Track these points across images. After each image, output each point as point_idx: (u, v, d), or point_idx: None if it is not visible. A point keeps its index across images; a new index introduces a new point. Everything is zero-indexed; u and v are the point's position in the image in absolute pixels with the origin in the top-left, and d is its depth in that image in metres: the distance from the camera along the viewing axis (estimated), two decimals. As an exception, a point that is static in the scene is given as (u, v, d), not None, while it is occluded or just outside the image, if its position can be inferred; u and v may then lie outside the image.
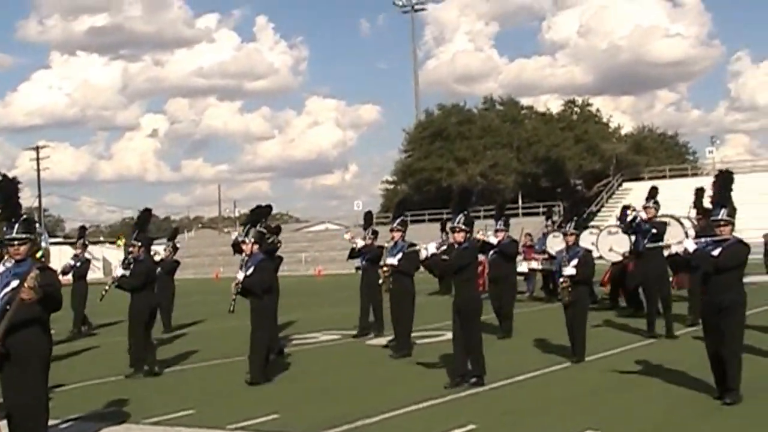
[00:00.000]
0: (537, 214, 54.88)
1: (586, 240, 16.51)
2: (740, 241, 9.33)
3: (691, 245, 9.37)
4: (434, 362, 12.57)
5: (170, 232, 20.53)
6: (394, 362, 13.31)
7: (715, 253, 9.20)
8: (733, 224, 9.33)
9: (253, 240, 12.16)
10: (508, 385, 10.79)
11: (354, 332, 16.90)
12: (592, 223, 21.91)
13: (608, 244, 19.09)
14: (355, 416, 9.09)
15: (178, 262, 19.61)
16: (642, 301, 18.16)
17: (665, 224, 15.37)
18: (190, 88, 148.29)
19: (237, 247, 14.76)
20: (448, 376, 10.86)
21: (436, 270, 10.96)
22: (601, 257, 18.24)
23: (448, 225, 11.58)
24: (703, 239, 9.55)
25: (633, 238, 15.86)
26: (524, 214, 58.85)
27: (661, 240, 14.04)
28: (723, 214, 9.32)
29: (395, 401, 9.82)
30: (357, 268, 14.49)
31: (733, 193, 9.39)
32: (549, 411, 9.12)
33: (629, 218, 16.10)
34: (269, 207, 13.24)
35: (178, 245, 20.45)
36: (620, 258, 19.51)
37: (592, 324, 16.59)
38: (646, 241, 14.94)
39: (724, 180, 9.64)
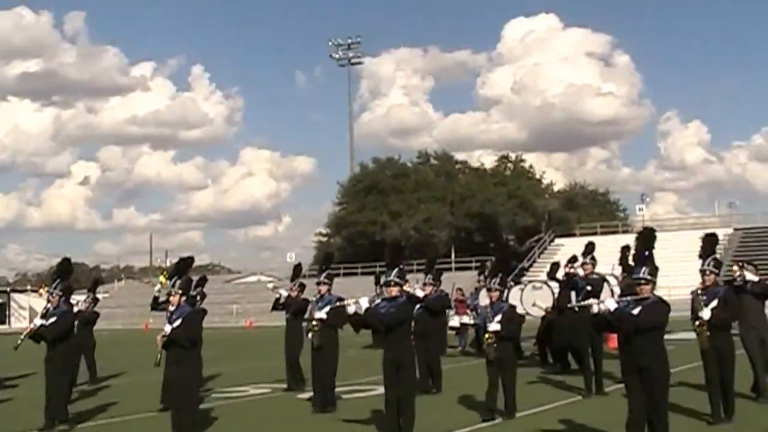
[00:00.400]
0: (470, 268, 55.14)
1: (515, 296, 16.62)
2: (661, 300, 9.25)
3: (612, 304, 9.27)
4: (364, 418, 12.46)
5: (91, 282, 20.06)
6: (323, 418, 13.18)
7: (635, 312, 9.15)
8: (654, 283, 9.27)
9: (180, 291, 12.02)
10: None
11: (284, 386, 16.75)
12: (524, 278, 22.21)
13: (532, 298, 19.29)
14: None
15: (97, 314, 19.17)
16: (568, 359, 18.28)
17: (602, 281, 15.50)
18: (123, 136, 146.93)
19: (156, 302, 14.63)
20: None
21: (375, 324, 10.81)
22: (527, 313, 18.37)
23: (382, 279, 11.53)
24: (624, 298, 9.56)
25: (573, 293, 15.91)
26: (457, 269, 59.12)
27: (598, 298, 14.14)
28: (644, 272, 9.27)
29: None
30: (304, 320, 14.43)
31: (661, 251, 9.41)
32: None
33: (568, 271, 16.13)
34: (191, 258, 13.07)
35: (98, 296, 20.10)
36: (543, 313, 19.69)
37: (527, 381, 16.67)
38: (579, 298, 15.00)
39: (645, 238, 9.60)
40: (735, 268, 14.01)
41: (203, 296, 16.06)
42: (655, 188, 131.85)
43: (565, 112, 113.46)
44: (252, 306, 62.66)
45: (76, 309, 16.26)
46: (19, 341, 13.39)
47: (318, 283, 14.36)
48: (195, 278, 14.91)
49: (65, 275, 13.54)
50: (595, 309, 9.43)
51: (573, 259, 16.89)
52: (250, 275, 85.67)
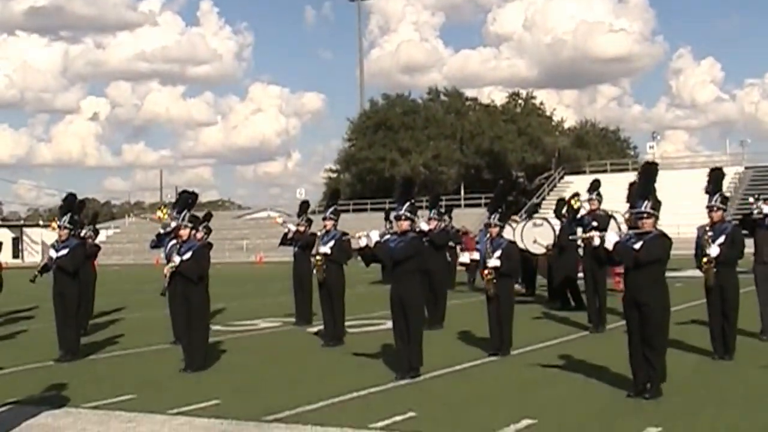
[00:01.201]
0: (479, 205, 55.30)
1: (509, 233, 16.57)
2: (663, 235, 9.15)
3: (613, 238, 9.21)
4: (373, 352, 12.64)
5: (90, 216, 19.89)
6: (333, 351, 13.37)
7: (637, 246, 9.08)
8: (656, 217, 9.20)
9: (190, 225, 12.16)
10: (445, 375, 10.86)
11: (293, 320, 16.95)
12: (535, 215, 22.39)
13: (532, 236, 19.22)
14: (296, 403, 9.13)
15: (98, 247, 19.15)
16: (568, 296, 18.37)
17: (608, 217, 15.54)
18: (132, 71, 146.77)
19: (158, 237, 14.77)
20: (394, 368, 10.86)
21: (383, 257, 10.83)
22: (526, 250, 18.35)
23: (392, 214, 11.57)
24: (626, 232, 9.50)
25: (579, 230, 15.99)
26: (466, 206, 59.28)
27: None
28: (645, 206, 9.17)
29: (335, 389, 9.86)
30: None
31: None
32: (487, 400, 9.23)
33: (576, 207, 16.18)
34: (195, 193, 13.13)
35: (98, 229, 20.01)
36: (543, 250, 19.67)
37: (531, 317, 16.84)
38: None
39: (648, 172, 9.51)
40: (751, 199, 14.02)
41: (209, 231, 16.15)
42: (666, 126, 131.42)
43: (576, 49, 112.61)
44: (262, 241, 63.00)
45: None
46: (36, 274, 13.57)
47: (324, 219, 14.44)
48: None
49: (73, 210, 13.64)
50: (596, 242, 9.38)
51: (575, 195, 16.96)
52: (260, 211, 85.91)
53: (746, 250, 11.64)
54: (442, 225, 17.62)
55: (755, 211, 13.21)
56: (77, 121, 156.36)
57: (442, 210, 17.74)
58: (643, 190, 9.40)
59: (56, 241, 13.28)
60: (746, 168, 63.58)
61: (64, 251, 13.00)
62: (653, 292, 9.02)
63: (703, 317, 12.29)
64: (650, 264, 9.04)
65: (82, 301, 14.47)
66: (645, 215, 9.19)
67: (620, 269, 13.33)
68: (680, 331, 13.04)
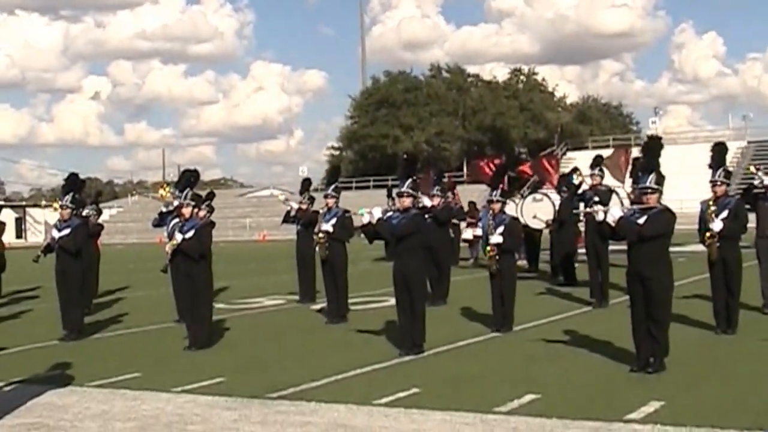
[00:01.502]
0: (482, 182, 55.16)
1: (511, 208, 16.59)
2: (667, 209, 9.14)
3: (617, 212, 9.17)
4: (377, 329, 12.66)
5: (93, 194, 19.79)
6: (337, 328, 13.39)
7: (641, 221, 9.07)
8: (660, 192, 9.17)
9: (192, 203, 12.16)
10: (449, 351, 10.89)
11: (297, 298, 16.99)
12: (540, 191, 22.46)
13: (532, 211, 19.20)
14: (300, 380, 9.15)
15: (101, 226, 19.13)
16: (571, 271, 18.34)
17: (610, 192, 15.53)
18: (133, 50, 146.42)
19: (161, 216, 14.78)
20: (398, 344, 10.88)
21: (385, 234, 10.83)
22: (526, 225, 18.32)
23: (395, 191, 11.56)
24: (630, 207, 9.50)
25: (581, 205, 15.98)
26: (469, 182, 59.11)
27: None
28: (650, 181, 9.15)
29: (340, 366, 9.89)
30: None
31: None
32: (490, 376, 9.25)
33: (576, 183, 16.17)
34: (197, 171, 13.12)
35: (101, 208, 19.92)
36: (543, 226, 19.67)
37: (535, 293, 16.85)
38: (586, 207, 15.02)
39: (652, 147, 9.46)
40: (752, 168, 13.97)
41: (211, 210, 16.14)
42: (669, 101, 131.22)
43: (578, 24, 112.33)
44: (265, 219, 63.07)
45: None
46: (39, 254, 13.60)
47: (326, 196, 14.44)
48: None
49: (75, 189, 13.65)
50: (600, 216, 9.37)
51: (575, 170, 16.94)
52: (263, 189, 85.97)
53: (749, 225, 11.65)
54: (452, 200, 17.56)
55: (756, 182, 13.18)
56: (79, 100, 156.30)
57: (453, 187, 17.70)
58: (647, 165, 9.37)
59: (58, 220, 13.30)
60: (749, 142, 63.49)
61: (66, 231, 13.02)
62: (657, 266, 9.02)
63: (707, 292, 12.30)
64: (654, 239, 9.02)
65: (86, 281, 14.51)
66: (649, 190, 9.17)
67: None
68: (683, 305, 13.06)
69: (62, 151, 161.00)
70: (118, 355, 11.53)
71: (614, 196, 15.52)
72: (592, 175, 15.60)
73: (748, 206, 12.22)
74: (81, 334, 13.00)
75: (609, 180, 16.09)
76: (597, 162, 15.74)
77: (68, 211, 13.16)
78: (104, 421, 7.73)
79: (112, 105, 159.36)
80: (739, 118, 73.82)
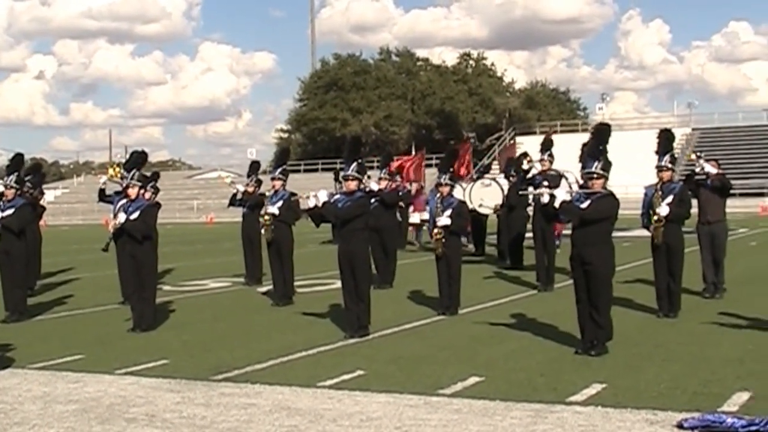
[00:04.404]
0: (430, 165, 55.26)
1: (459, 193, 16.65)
2: (611, 194, 9.27)
3: (563, 195, 9.23)
4: (323, 311, 12.67)
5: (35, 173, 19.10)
6: (282, 310, 13.38)
7: (584, 205, 9.21)
8: (606, 178, 9.31)
9: (139, 183, 12.08)
10: (393, 334, 10.93)
11: (243, 280, 16.93)
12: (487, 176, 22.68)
13: (480, 196, 19.28)
14: (245, 362, 9.14)
15: (43, 208, 18.81)
16: (519, 255, 18.43)
17: (559, 177, 15.60)
18: (79, 29, 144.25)
19: (102, 194, 14.60)
20: (343, 327, 10.92)
21: (330, 217, 10.84)
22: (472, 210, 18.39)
23: (341, 174, 11.56)
24: (575, 191, 9.63)
25: (530, 189, 16.01)
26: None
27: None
28: (596, 166, 9.28)
29: (284, 348, 9.90)
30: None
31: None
32: (435, 358, 9.29)
33: (525, 168, 16.22)
34: (145, 153, 13.03)
35: (43, 190, 19.52)
36: (491, 211, 19.79)
37: (482, 276, 16.94)
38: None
39: (600, 133, 9.61)
40: (693, 156, 14.16)
41: (156, 191, 15.95)
42: (615, 87, 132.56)
43: (527, 10, 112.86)
44: (212, 202, 62.73)
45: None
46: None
47: (272, 179, 14.40)
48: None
49: (20, 169, 13.48)
50: (545, 199, 9.48)
51: (524, 155, 17.00)
52: (211, 171, 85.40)
53: (692, 210, 11.84)
54: (393, 185, 17.63)
55: (697, 169, 13.40)
56: (23, 79, 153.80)
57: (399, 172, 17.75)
58: (594, 151, 9.48)
59: (2, 201, 13.12)
60: (693, 129, 64.35)
61: (10, 211, 12.85)
62: (598, 251, 9.14)
63: (649, 276, 12.47)
64: (596, 223, 9.15)
65: (30, 261, 14.32)
66: (595, 175, 9.30)
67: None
68: (626, 289, 13.22)
69: (6, 130, 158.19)
70: (61, 336, 11.41)
71: (563, 180, 15.62)
72: (541, 161, 15.64)
73: (690, 193, 12.41)
74: (23, 316, 12.85)
75: (558, 165, 16.14)
76: (546, 146, 15.77)
77: (12, 191, 13.00)
78: (45, 404, 7.65)
79: (58, 84, 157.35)
80: (684, 105, 74.98)
